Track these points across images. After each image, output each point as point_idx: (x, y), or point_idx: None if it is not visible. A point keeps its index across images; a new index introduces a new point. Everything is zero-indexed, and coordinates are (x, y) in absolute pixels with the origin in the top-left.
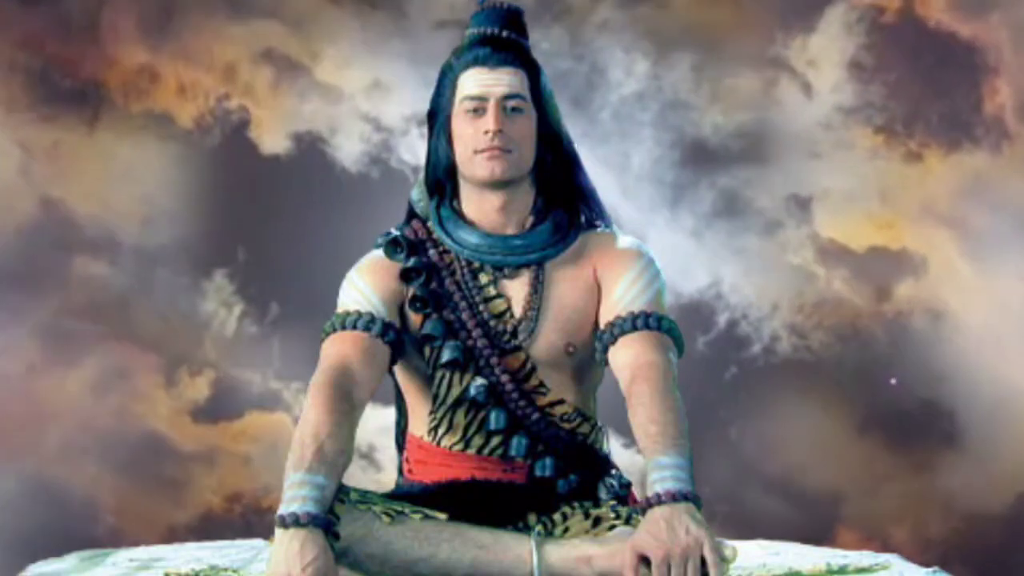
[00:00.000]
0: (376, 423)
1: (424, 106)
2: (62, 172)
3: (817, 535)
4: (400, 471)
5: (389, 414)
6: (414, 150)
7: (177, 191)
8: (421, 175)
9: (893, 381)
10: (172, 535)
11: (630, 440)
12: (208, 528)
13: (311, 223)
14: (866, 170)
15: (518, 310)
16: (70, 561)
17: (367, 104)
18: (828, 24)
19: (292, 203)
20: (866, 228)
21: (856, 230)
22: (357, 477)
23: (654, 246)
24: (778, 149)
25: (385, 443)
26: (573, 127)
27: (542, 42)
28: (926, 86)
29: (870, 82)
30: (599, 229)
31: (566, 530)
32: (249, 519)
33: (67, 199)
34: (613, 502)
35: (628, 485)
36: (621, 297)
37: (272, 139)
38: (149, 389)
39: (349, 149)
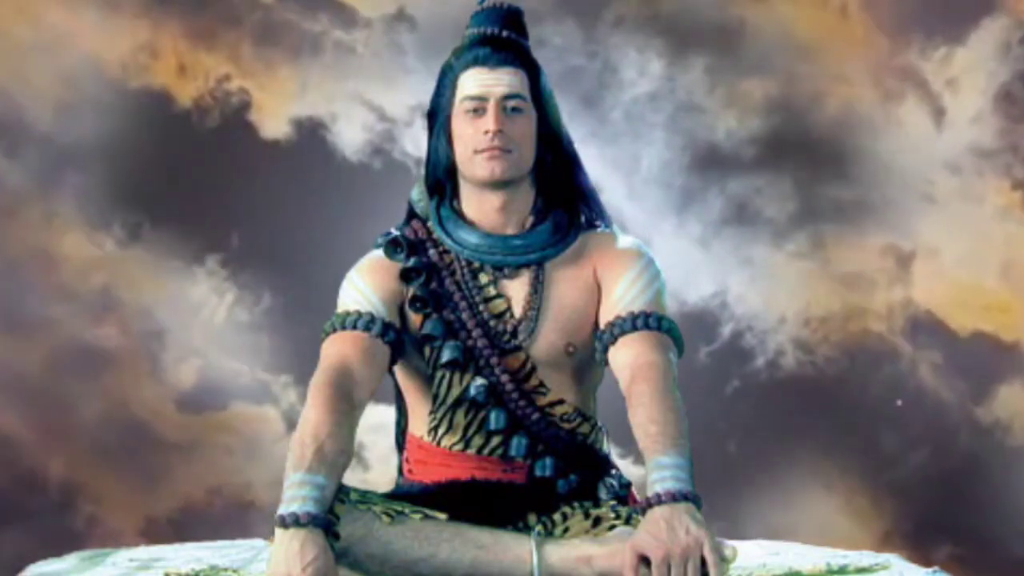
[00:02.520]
0: (365, 422)
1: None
2: None
3: None
4: (400, 471)
5: (377, 413)
6: (418, 142)
7: (111, 77)
8: (421, 174)
9: (899, 403)
10: (150, 526)
11: (627, 449)
12: (187, 521)
13: (310, 212)
14: (992, 232)
15: (518, 310)
16: (70, 561)
17: (384, 37)
18: (981, 39)
19: (291, 191)
20: (975, 306)
21: (962, 307)
22: (345, 475)
23: (659, 252)
24: (882, 183)
25: (373, 441)
26: (582, 126)
27: (554, 37)
28: None
29: (1020, 121)
30: (599, 229)
31: (566, 530)
32: (230, 513)
33: None
34: (613, 502)
35: (628, 485)
36: (621, 297)
37: (273, 123)
38: (42, 323)
39: (351, 138)
